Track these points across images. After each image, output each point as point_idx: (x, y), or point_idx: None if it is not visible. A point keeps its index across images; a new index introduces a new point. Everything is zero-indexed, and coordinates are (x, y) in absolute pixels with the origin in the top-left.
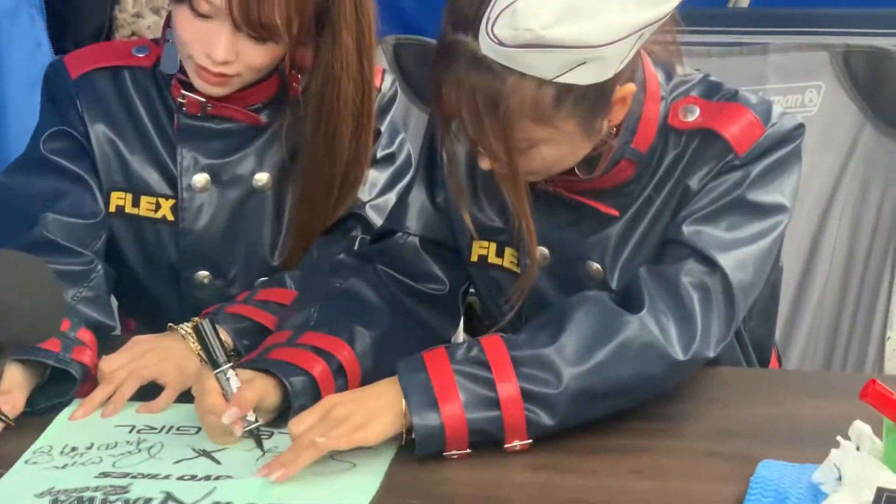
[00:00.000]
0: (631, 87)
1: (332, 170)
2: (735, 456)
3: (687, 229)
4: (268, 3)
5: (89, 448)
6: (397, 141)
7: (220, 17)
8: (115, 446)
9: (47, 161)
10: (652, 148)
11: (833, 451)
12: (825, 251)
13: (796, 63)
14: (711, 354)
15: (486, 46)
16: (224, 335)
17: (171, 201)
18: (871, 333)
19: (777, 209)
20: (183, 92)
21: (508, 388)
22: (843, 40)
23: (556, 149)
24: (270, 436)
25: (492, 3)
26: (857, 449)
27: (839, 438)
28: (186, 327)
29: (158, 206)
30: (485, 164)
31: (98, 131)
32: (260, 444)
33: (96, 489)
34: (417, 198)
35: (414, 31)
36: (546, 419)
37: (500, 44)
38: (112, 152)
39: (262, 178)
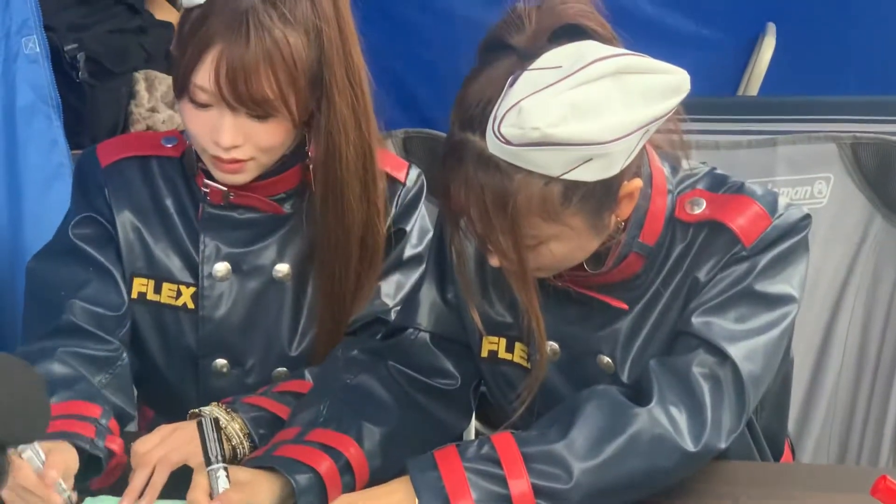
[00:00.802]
0: (637, 183)
1: (347, 237)
2: None
3: (696, 320)
4: (255, 78)
5: None
6: (426, 241)
7: (217, 102)
8: None
9: (75, 248)
10: (659, 241)
11: None
12: (838, 342)
13: (805, 155)
14: (723, 446)
15: (492, 145)
16: (239, 423)
17: (192, 289)
18: (886, 424)
19: (785, 300)
20: (206, 181)
21: (520, 485)
22: (851, 131)
23: (565, 245)
24: None
25: (498, 103)
26: None
27: None
28: (207, 409)
29: (179, 294)
30: (494, 261)
31: (124, 219)
32: None
33: None
34: (428, 294)
35: (426, 123)
36: None
37: (507, 143)
38: (136, 239)
39: (282, 269)
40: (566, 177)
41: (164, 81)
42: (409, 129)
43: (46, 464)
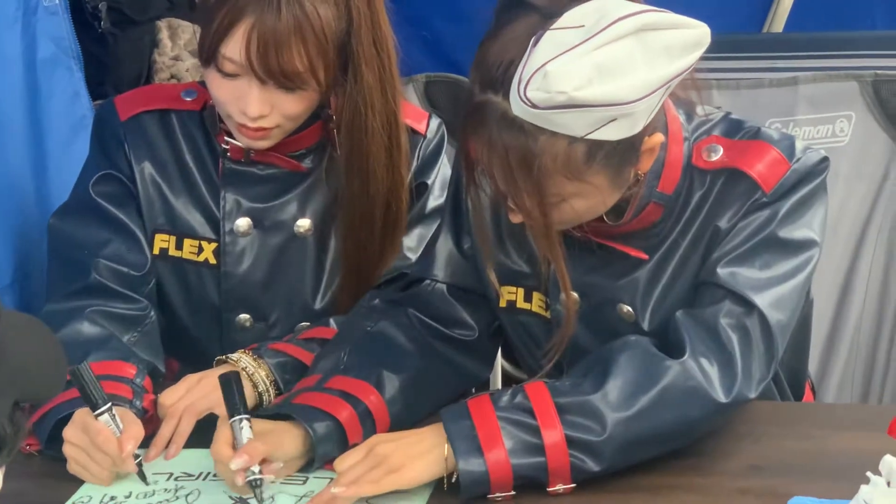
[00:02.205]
0: (659, 137)
1: (371, 203)
2: (765, 492)
3: (721, 271)
4: (286, 51)
5: (128, 497)
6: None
7: (246, 73)
8: (153, 494)
9: (97, 206)
10: (677, 189)
11: (863, 486)
12: (860, 281)
13: (826, 94)
14: (753, 396)
15: (517, 108)
16: (265, 370)
17: (214, 245)
18: None
19: (808, 244)
20: (227, 139)
21: (553, 435)
22: (874, 67)
23: (587, 201)
24: (305, 481)
25: (522, 65)
26: (888, 484)
27: (869, 474)
28: (234, 356)
29: (201, 250)
30: (515, 218)
31: (144, 172)
32: (259, 497)
33: None
34: (444, 246)
35: (451, 66)
36: (592, 465)
37: (534, 106)
38: (156, 194)
39: (303, 224)
40: (590, 136)
41: (188, 29)
42: (430, 73)
43: (128, 431)
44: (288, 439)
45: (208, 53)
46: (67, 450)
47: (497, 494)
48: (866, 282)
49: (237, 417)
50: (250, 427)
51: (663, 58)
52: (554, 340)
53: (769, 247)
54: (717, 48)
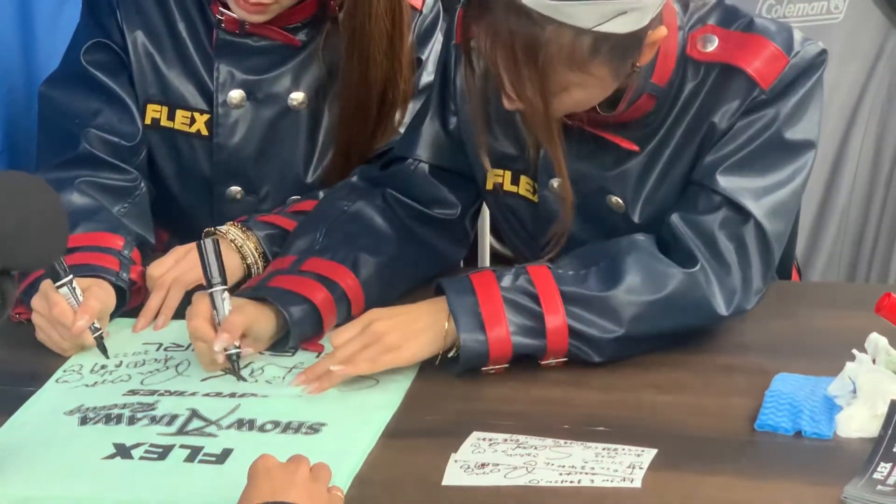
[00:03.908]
0: (662, 31)
1: (368, 89)
2: (750, 369)
3: (720, 177)
4: None
5: (118, 366)
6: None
7: None
8: (144, 364)
9: (88, 75)
10: (671, 80)
11: (848, 363)
12: (850, 158)
13: None
14: (750, 307)
15: None
16: (254, 241)
17: (206, 116)
18: None
19: (807, 146)
20: (222, 9)
21: (556, 320)
22: None
23: (587, 91)
24: (293, 353)
25: None
26: (874, 361)
27: (854, 351)
28: (223, 228)
29: (193, 121)
30: (511, 105)
31: (137, 41)
32: (237, 373)
33: (124, 406)
34: (430, 126)
35: None
36: (593, 357)
37: None
38: (149, 64)
39: (297, 97)
40: (598, 29)
41: None
42: None
43: (84, 304)
44: (263, 318)
45: None
46: (34, 318)
47: (490, 368)
48: (856, 161)
49: (217, 288)
50: (230, 298)
51: None
52: (554, 230)
53: (770, 149)
54: None
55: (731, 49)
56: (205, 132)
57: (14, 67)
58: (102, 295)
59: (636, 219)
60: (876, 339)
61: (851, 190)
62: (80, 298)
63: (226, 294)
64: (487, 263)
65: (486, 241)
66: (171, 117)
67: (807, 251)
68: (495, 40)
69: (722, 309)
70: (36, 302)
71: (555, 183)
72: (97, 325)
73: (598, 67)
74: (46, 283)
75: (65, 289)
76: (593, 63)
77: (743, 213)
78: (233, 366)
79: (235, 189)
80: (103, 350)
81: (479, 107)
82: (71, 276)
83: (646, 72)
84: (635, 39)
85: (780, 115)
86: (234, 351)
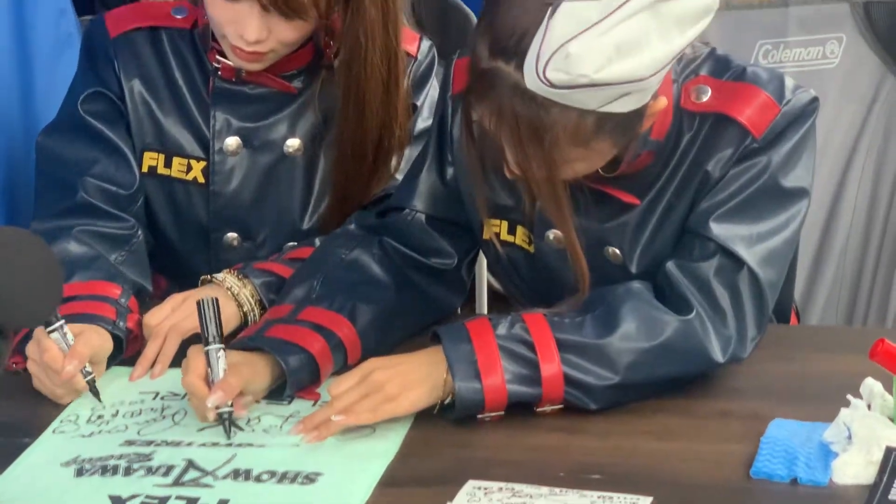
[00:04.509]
0: (662, 102)
1: (364, 136)
2: (746, 415)
3: (714, 224)
4: None
5: (115, 415)
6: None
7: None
8: (140, 413)
9: (85, 124)
10: (668, 133)
11: (843, 409)
12: (847, 202)
13: (817, 15)
14: (746, 355)
15: (533, 83)
16: (250, 289)
17: (203, 163)
18: (894, 286)
19: (800, 194)
20: (218, 58)
21: (551, 368)
22: None
23: (589, 163)
24: (290, 402)
25: (539, 41)
26: (869, 407)
27: (849, 397)
28: (219, 276)
29: (190, 168)
30: (512, 175)
31: (134, 90)
32: (228, 432)
33: (120, 457)
34: (427, 177)
35: None
36: (589, 404)
37: (552, 86)
38: (146, 112)
39: (293, 144)
40: (602, 110)
41: None
42: None
43: (73, 349)
44: (260, 373)
45: None
46: (29, 366)
47: (486, 415)
48: (853, 205)
49: (214, 346)
50: (225, 357)
51: (676, 30)
52: (580, 293)
53: (763, 197)
54: None
55: (724, 98)
56: (201, 179)
57: (12, 119)
58: (94, 339)
59: (633, 269)
60: (871, 385)
61: (848, 233)
62: (71, 343)
63: (221, 353)
64: (485, 301)
65: (484, 279)
66: (167, 165)
67: (805, 294)
68: (500, 121)
69: (718, 356)
70: (29, 348)
71: (551, 234)
72: (89, 368)
73: (601, 143)
74: (38, 330)
75: (56, 334)
76: (596, 140)
77: (736, 261)
78: (223, 424)
79: (232, 236)
80: (95, 394)
81: (477, 166)
82: (62, 322)
83: (645, 131)
84: (637, 115)
85: (773, 163)
86: (226, 409)
